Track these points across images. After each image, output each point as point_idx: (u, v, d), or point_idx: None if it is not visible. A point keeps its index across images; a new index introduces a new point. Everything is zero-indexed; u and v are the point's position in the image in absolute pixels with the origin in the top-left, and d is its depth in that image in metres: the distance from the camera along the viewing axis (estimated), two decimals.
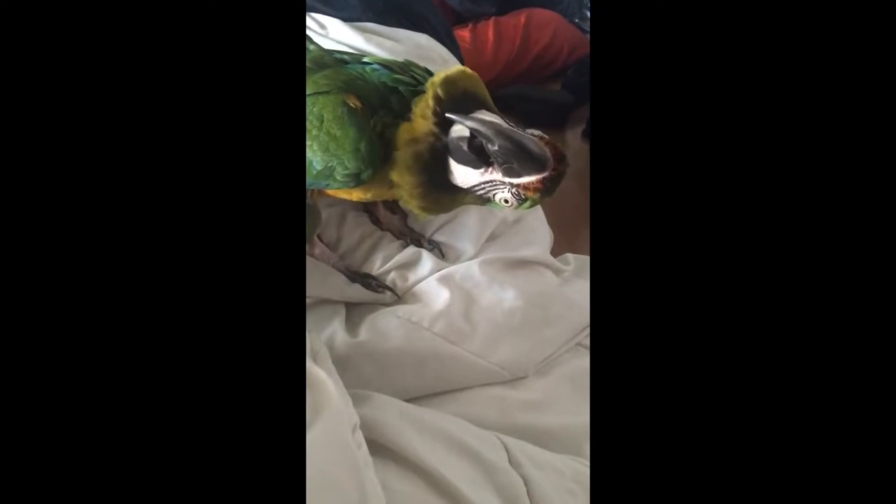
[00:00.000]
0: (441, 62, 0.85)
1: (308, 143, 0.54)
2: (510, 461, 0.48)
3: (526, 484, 0.46)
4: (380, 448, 0.46)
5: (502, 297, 0.61)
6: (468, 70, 0.54)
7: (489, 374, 0.57)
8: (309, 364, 0.47)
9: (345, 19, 0.87)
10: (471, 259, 0.64)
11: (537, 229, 0.70)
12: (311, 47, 0.61)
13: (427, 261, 0.64)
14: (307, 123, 0.54)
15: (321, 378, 0.47)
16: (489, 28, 1.55)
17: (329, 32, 0.86)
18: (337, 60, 0.58)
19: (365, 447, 0.44)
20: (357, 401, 0.49)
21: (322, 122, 0.53)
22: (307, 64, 0.57)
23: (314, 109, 0.54)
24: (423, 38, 0.88)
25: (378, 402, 0.49)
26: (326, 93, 0.53)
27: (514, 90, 1.43)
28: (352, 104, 0.52)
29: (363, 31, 0.86)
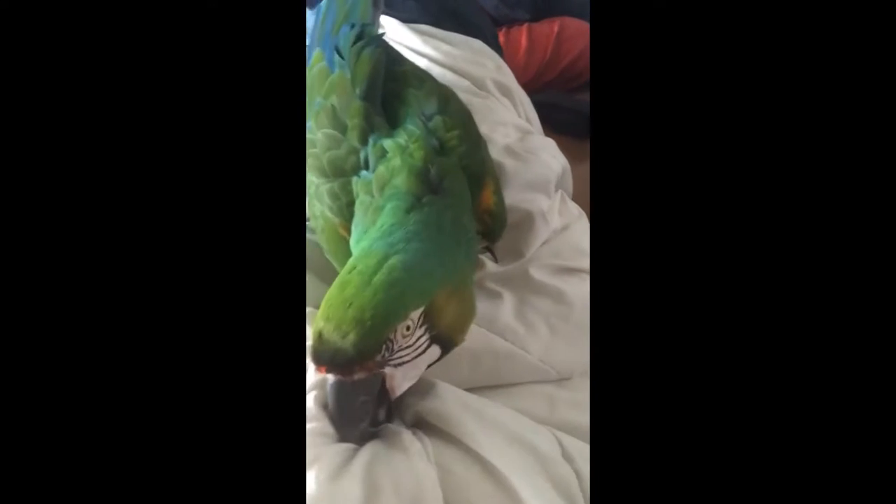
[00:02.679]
0: (494, 69, 0.89)
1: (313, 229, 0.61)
2: (563, 455, 0.51)
3: (578, 478, 0.49)
4: (443, 435, 0.49)
5: (553, 300, 0.64)
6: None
7: (539, 372, 0.61)
8: None
9: (402, 20, 0.90)
10: (524, 264, 0.67)
11: (583, 240, 0.74)
12: (340, 150, 0.57)
13: (480, 265, 0.67)
14: (313, 212, 0.60)
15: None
16: (522, 34, 1.57)
17: (387, 32, 0.89)
18: (354, 166, 0.57)
19: (428, 442, 0.48)
20: (423, 390, 0.52)
21: (323, 232, 0.59)
22: (328, 161, 0.57)
23: (317, 214, 0.59)
24: (477, 43, 0.91)
25: (442, 392, 0.52)
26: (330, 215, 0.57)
27: (545, 97, 1.45)
28: (342, 233, 0.56)
29: (420, 32, 0.89)
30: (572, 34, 1.59)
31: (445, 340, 0.48)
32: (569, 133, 1.46)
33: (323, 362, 0.43)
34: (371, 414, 0.47)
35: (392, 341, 0.44)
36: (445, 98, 0.62)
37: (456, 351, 0.60)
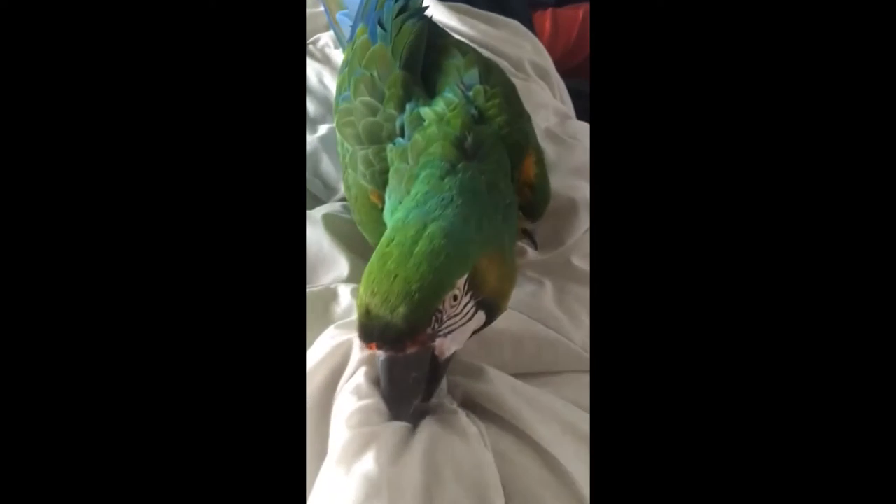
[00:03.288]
0: (532, 50, 0.87)
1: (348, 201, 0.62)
2: None
3: None
4: (497, 420, 0.48)
5: None
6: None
7: (581, 361, 0.60)
8: None
9: None
10: (565, 252, 0.66)
11: None
12: (377, 117, 0.57)
13: (522, 252, 0.66)
14: (346, 180, 0.60)
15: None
16: (546, 19, 1.55)
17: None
18: (390, 133, 0.56)
19: (482, 426, 0.47)
20: (472, 372, 0.51)
21: (356, 200, 0.58)
22: (364, 128, 0.57)
23: (350, 183, 0.59)
24: (514, 24, 0.90)
25: (493, 377, 0.51)
26: (363, 182, 0.57)
27: (569, 84, 1.43)
28: (374, 199, 0.56)
29: (457, 11, 0.87)
30: None
31: (490, 306, 0.47)
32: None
33: (373, 338, 0.42)
34: (423, 389, 0.46)
35: (441, 312, 0.43)
36: (487, 69, 0.61)
37: (499, 336, 0.59)
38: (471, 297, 0.45)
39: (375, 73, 0.58)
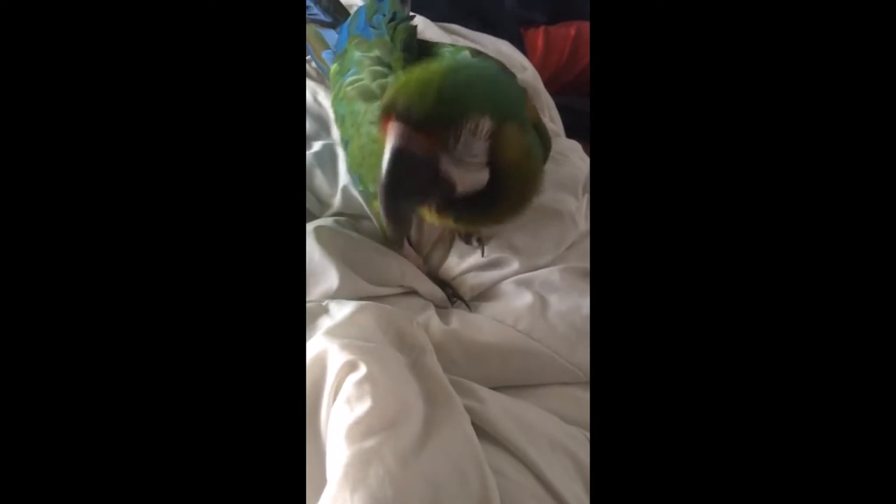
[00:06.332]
0: (520, 69, 0.89)
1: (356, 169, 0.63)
2: None
3: None
4: (491, 438, 0.50)
5: (580, 303, 0.64)
6: None
7: (567, 374, 0.61)
8: (431, 362, 0.51)
9: (433, 18, 0.90)
10: (550, 266, 0.68)
11: None
12: (388, 79, 0.61)
13: (507, 264, 0.68)
14: (358, 141, 0.61)
15: (441, 376, 0.50)
16: (539, 36, 1.57)
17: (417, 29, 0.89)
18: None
19: (478, 441, 0.48)
20: (463, 391, 0.53)
21: (372, 155, 0.59)
22: (378, 85, 0.61)
23: (364, 141, 0.60)
24: (503, 45, 0.92)
25: (484, 397, 0.53)
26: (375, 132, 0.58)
27: (559, 100, 1.45)
28: None
29: (449, 31, 0.90)
30: (589, 38, 1.59)
31: (498, 172, 0.50)
32: (581, 136, 1.46)
33: (396, 111, 0.45)
34: (420, 195, 0.49)
35: (459, 134, 0.46)
36: (476, 51, 0.67)
37: (486, 349, 0.60)
38: (487, 150, 0.48)
39: (379, 53, 0.63)
